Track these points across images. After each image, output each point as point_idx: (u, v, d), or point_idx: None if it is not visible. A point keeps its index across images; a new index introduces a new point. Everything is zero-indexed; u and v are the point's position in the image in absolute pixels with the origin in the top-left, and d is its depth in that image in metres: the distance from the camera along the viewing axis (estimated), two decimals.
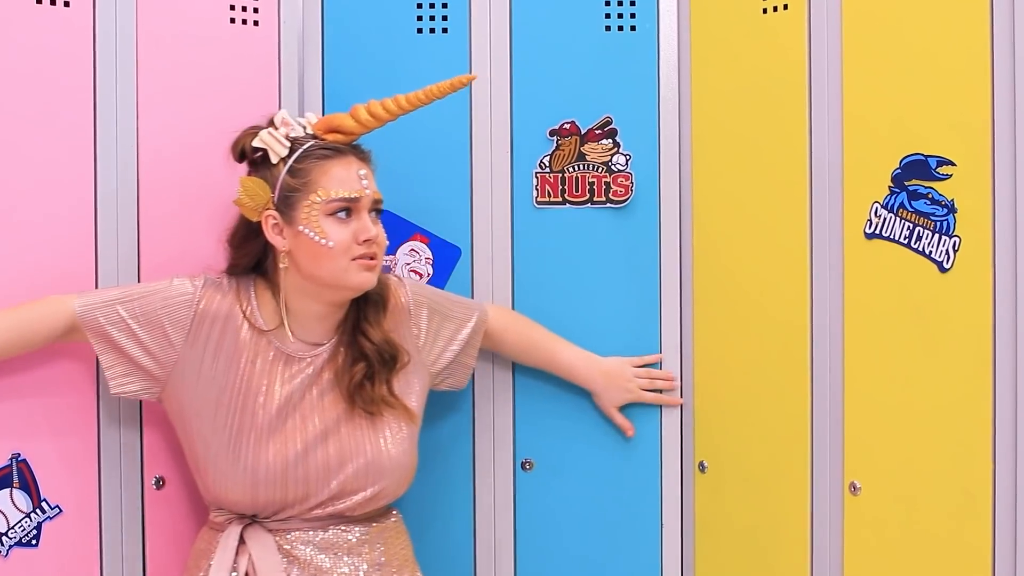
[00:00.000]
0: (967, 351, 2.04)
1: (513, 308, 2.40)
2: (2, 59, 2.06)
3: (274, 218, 2.00)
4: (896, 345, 2.12)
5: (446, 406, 2.39)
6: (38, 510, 2.09)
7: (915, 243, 2.09)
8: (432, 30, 2.38)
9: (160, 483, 2.20)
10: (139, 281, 2.15)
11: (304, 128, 2.04)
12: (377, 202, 2.05)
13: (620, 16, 2.38)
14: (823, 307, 2.22)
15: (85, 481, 2.14)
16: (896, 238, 2.11)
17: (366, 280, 2.02)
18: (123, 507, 2.18)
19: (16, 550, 2.08)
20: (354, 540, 2.06)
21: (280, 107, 2.31)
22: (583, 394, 2.40)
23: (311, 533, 2.04)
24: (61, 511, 2.12)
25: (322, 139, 2.03)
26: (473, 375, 2.38)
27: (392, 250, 2.39)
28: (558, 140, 2.39)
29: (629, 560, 2.41)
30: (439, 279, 2.39)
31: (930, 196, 2.07)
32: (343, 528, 2.06)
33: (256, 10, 2.29)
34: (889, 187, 2.12)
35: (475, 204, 2.39)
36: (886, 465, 2.14)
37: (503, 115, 2.38)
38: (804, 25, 2.23)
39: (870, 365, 2.16)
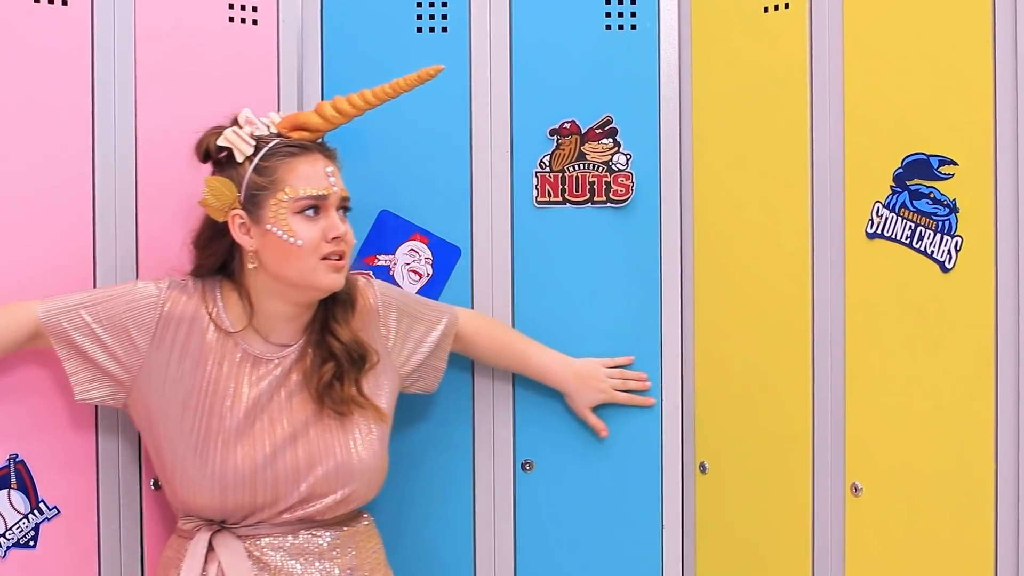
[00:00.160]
0: (969, 351, 2.04)
1: (513, 308, 2.39)
2: (0, 58, 2.05)
3: (241, 217, 1.98)
4: (898, 345, 2.12)
5: (445, 406, 2.39)
6: (36, 511, 2.08)
7: (917, 243, 2.08)
8: (432, 29, 2.38)
9: (158, 484, 2.19)
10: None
11: (268, 127, 2.03)
12: (345, 200, 2.04)
13: (620, 15, 2.38)
14: (824, 307, 2.22)
15: (83, 482, 2.14)
16: (898, 238, 2.11)
17: (334, 281, 2.01)
18: (121, 508, 2.17)
19: (14, 551, 2.07)
20: (325, 545, 2.03)
21: (279, 107, 2.31)
22: None
23: (281, 539, 2.01)
24: (59, 512, 2.11)
25: (287, 137, 2.02)
26: (473, 376, 2.39)
27: (391, 250, 2.38)
28: (558, 139, 2.38)
29: (630, 561, 2.41)
30: (439, 279, 2.38)
31: (932, 196, 2.06)
32: (314, 533, 2.03)
33: (255, 9, 2.29)
34: (891, 187, 2.11)
35: (475, 204, 2.39)
36: (888, 466, 2.14)
37: (503, 114, 2.38)
38: (805, 24, 2.23)
39: (871, 365, 2.16)
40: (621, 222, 2.39)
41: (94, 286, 2.12)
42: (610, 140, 2.38)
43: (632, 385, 2.39)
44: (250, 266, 2.00)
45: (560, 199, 2.39)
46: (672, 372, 2.42)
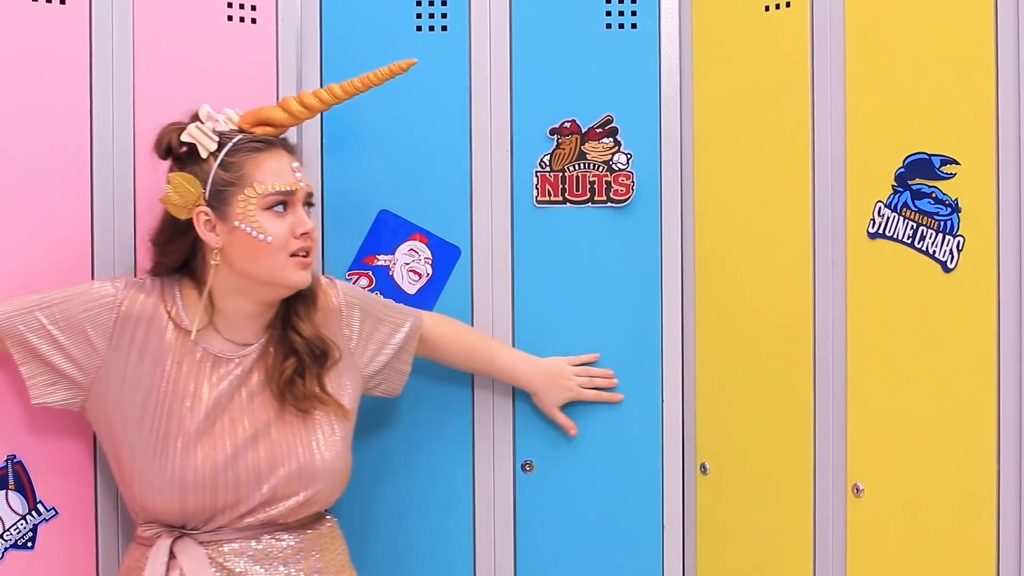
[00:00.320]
0: (971, 352, 2.03)
1: (513, 308, 2.39)
2: None
3: (206, 214, 1.96)
4: (899, 345, 2.11)
5: (445, 407, 2.39)
6: (34, 512, 2.08)
7: (918, 243, 2.08)
8: (431, 28, 2.38)
9: None
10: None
11: (228, 122, 2.01)
12: (310, 195, 2.03)
13: (621, 14, 2.38)
14: (825, 307, 2.21)
15: (81, 483, 2.14)
16: (899, 238, 2.11)
17: (302, 279, 1.99)
18: (119, 510, 2.17)
19: (12, 552, 2.07)
20: (289, 549, 2.00)
21: None
22: None
23: (243, 544, 1.97)
24: (57, 513, 2.11)
25: (250, 132, 2.00)
26: (473, 376, 2.39)
27: (391, 250, 2.38)
28: (558, 139, 2.38)
29: (630, 562, 2.41)
30: (438, 279, 2.38)
31: (934, 195, 2.06)
32: (276, 537, 2.00)
33: (254, 7, 2.29)
34: (892, 186, 2.11)
35: (475, 203, 2.38)
36: (889, 467, 2.14)
37: (503, 114, 2.37)
38: (806, 23, 2.22)
39: (873, 365, 2.15)
40: (621, 222, 2.39)
41: None
42: (610, 139, 2.37)
43: (598, 382, 2.38)
44: (214, 263, 1.97)
45: (560, 199, 2.39)
46: (673, 372, 2.41)
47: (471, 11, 2.37)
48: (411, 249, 2.39)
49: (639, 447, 2.41)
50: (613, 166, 2.38)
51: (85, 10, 2.13)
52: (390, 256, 2.38)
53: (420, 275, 2.38)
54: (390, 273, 2.38)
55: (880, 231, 2.13)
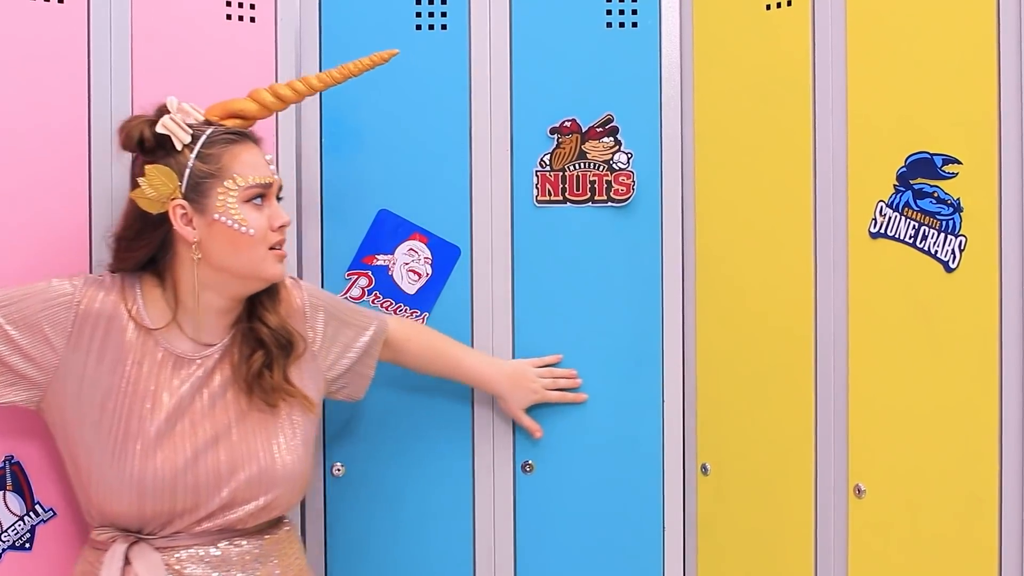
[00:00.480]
0: (973, 352, 2.03)
1: (513, 308, 2.39)
2: None
3: (183, 207, 1.92)
4: (901, 346, 2.11)
5: (445, 407, 2.39)
6: (32, 513, 2.07)
7: (920, 242, 2.08)
8: (431, 27, 2.37)
9: None
10: None
11: (196, 115, 1.98)
12: (280, 188, 2.02)
13: (621, 12, 2.37)
14: (827, 307, 2.21)
15: None
16: (901, 237, 2.10)
17: (280, 272, 1.98)
18: None
19: (9, 553, 2.06)
20: (247, 555, 1.98)
21: None
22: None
23: (201, 550, 1.94)
24: (55, 514, 2.10)
25: (220, 124, 1.98)
26: None
27: (391, 249, 2.37)
28: (559, 138, 2.37)
29: (631, 563, 2.40)
30: (438, 279, 2.37)
31: (936, 195, 2.06)
32: (234, 543, 1.97)
33: (252, 6, 2.28)
34: (894, 186, 2.11)
35: (475, 203, 2.38)
36: (891, 468, 2.13)
37: (503, 113, 2.37)
38: (808, 21, 2.22)
39: (875, 366, 2.15)
40: (622, 221, 2.39)
41: None
42: (611, 139, 2.37)
43: (563, 383, 2.38)
44: (196, 257, 1.93)
45: (560, 198, 2.38)
46: (673, 372, 2.41)
47: (471, 10, 2.36)
48: (411, 249, 2.38)
49: (640, 448, 2.40)
50: (613, 165, 2.38)
51: (83, 9, 2.12)
52: (390, 256, 2.38)
53: (420, 275, 2.38)
54: (389, 273, 2.38)
55: (882, 231, 2.12)
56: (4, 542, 2.05)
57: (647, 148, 2.39)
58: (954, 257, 2.04)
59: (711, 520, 2.40)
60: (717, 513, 2.39)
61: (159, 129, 1.93)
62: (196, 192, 1.92)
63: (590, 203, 2.38)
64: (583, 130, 2.37)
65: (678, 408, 2.41)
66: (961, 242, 2.03)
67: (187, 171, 1.92)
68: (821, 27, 2.20)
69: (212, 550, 1.95)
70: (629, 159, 2.38)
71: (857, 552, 2.18)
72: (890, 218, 2.11)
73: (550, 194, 2.38)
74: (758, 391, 2.32)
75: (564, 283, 2.39)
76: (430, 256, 2.38)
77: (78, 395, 1.93)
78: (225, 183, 1.92)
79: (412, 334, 2.30)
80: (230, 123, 1.99)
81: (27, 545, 2.07)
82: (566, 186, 2.38)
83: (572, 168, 2.38)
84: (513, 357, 2.39)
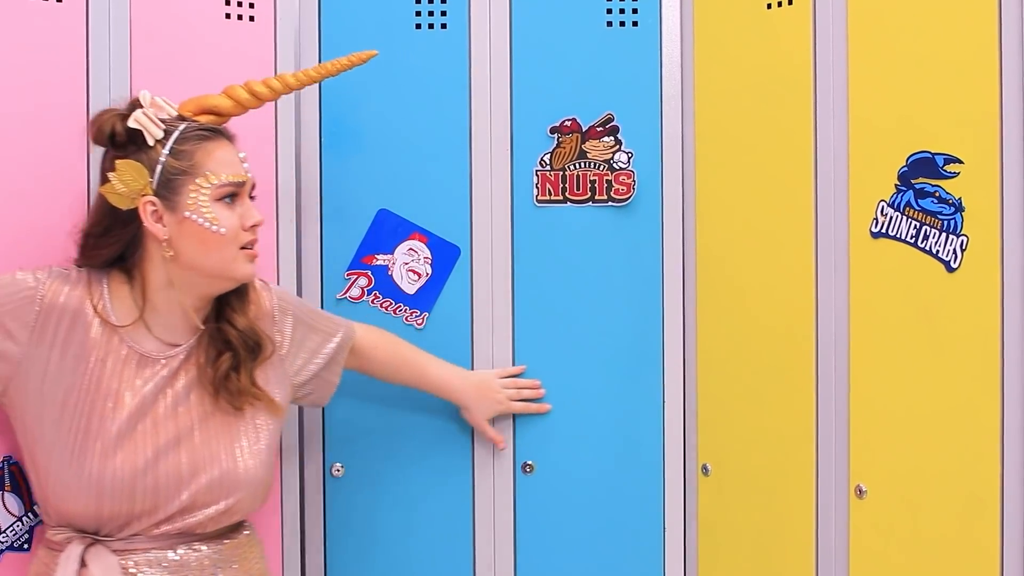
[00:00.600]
0: (975, 352, 2.03)
1: (513, 308, 2.38)
2: None
3: (153, 204, 1.89)
4: (903, 346, 2.11)
5: (445, 407, 2.38)
6: (30, 514, 2.06)
7: (922, 242, 2.07)
8: (431, 26, 2.37)
9: None
10: None
11: (169, 110, 1.95)
12: (254, 187, 1.98)
13: (622, 11, 2.37)
14: (828, 307, 2.21)
15: None
16: (903, 237, 2.10)
17: (250, 272, 1.95)
18: None
19: (8, 554, 2.05)
20: (206, 560, 1.94)
21: (277, 105, 2.29)
22: (584, 396, 2.39)
23: (159, 554, 1.90)
24: None
25: (194, 121, 1.95)
26: None
27: (390, 249, 2.37)
28: (559, 137, 2.37)
29: (632, 564, 2.40)
30: (438, 279, 2.37)
31: (937, 194, 2.06)
32: (193, 548, 1.93)
33: (252, 5, 2.28)
34: (895, 185, 2.10)
35: (474, 202, 2.38)
36: (892, 468, 2.13)
37: (503, 112, 2.36)
38: (809, 20, 2.22)
39: (876, 366, 2.15)
40: (622, 221, 2.38)
41: None
42: (611, 138, 2.36)
43: (526, 394, 2.37)
44: (168, 255, 1.90)
45: (561, 198, 2.38)
46: (674, 372, 2.40)
47: (471, 9, 2.36)
48: (410, 249, 2.38)
49: (640, 448, 2.40)
50: (614, 165, 2.37)
51: (82, 8, 2.12)
52: (389, 256, 2.37)
53: (419, 275, 2.37)
54: (389, 273, 2.37)
55: (883, 230, 2.12)
56: (3, 543, 2.04)
57: (647, 147, 2.38)
58: (956, 257, 2.04)
59: (712, 521, 2.39)
60: (718, 514, 2.39)
61: (131, 123, 1.90)
62: (167, 189, 1.89)
63: (590, 203, 2.38)
64: (583, 129, 2.37)
65: (679, 408, 2.40)
66: (963, 242, 2.03)
67: (158, 167, 1.89)
68: (822, 26, 2.20)
69: (170, 554, 1.92)
70: (629, 159, 2.37)
71: (858, 553, 2.18)
72: (891, 218, 2.11)
73: (550, 194, 2.38)
74: (759, 391, 2.32)
75: (564, 283, 2.39)
76: (430, 256, 2.38)
77: (39, 391, 1.89)
78: (197, 180, 1.89)
79: (379, 342, 2.28)
80: (204, 119, 1.96)
81: (25, 546, 2.06)
82: (566, 186, 2.38)
83: (572, 168, 2.37)
84: (513, 357, 2.39)
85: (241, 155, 1.95)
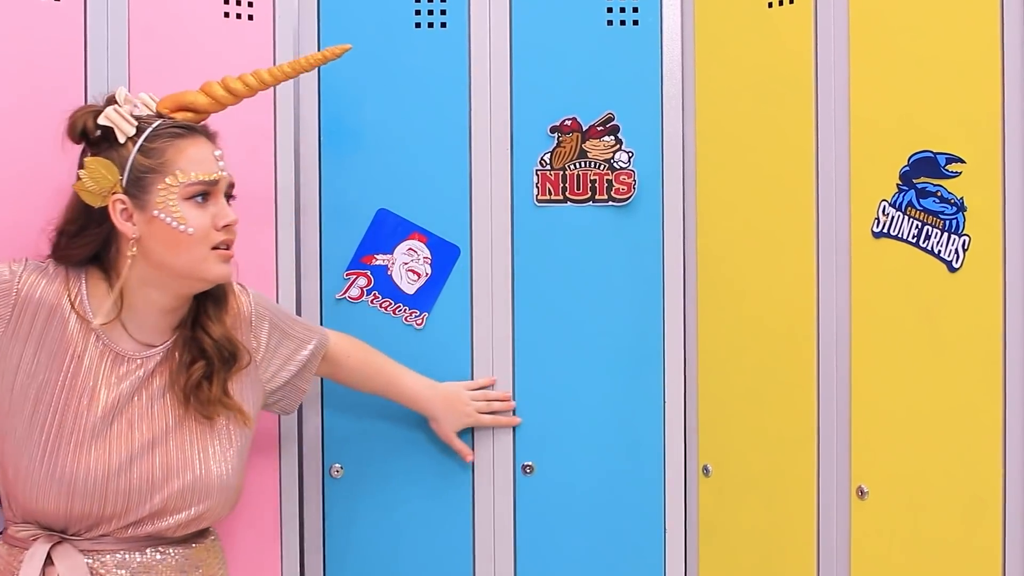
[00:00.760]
0: (977, 352, 2.02)
1: (513, 308, 2.38)
2: None
3: (123, 203, 1.86)
4: (904, 346, 2.10)
5: None
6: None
7: (924, 242, 2.07)
8: (431, 24, 2.36)
9: None
10: None
11: (147, 106, 1.93)
12: (231, 186, 1.94)
13: (622, 10, 2.36)
14: (829, 307, 2.20)
15: None
16: (904, 237, 2.09)
17: (223, 272, 1.91)
18: None
19: None
20: (172, 564, 1.92)
21: (276, 104, 2.29)
22: (585, 397, 2.39)
23: (126, 556, 1.89)
24: None
25: (170, 118, 1.93)
26: (472, 378, 2.38)
27: (390, 249, 2.36)
28: (559, 137, 2.36)
29: (632, 566, 2.39)
30: (438, 279, 2.36)
31: (939, 194, 2.05)
32: (160, 551, 1.92)
33: (251, 4, 2.27)
34: (897, 185, 2.10)
35: (474, 202, 2.37)
36: (894, 469, 2.12)
37: (503, 111, 2.36)
38: (810, 19, 2.21)
39: (878, 366, 2.14)
40: (623, 221, 2.38)
41: None
42: (612, 137, 2.36)
43: (496, 406, 2.36)
44: (130, 254, 1.88)
45: (561, 197, 2.37)
46: (675, 372, 2.40)
47: (470, 7, 2.36)
48: (410, 248, 2.37)
49: (641, 449, 2.39)
50: (614, 164, 2.36)
51: (80, 7, 2.11)
52: (388, 255, 2.37)
53: (419, 275, 2.37)
54: (388, 273, 2.37)
55: (885, 230, 2.11)
56: None
57: (648, 147, 2.38)
58: (957, 257, 2.03)
59: (713, 522, 2.39)
60: (719, 515, 2.38)
61: (101, 120, 1.88)
62: (136, 187, 1.86)
63: (591, 202, 2.37)
64: (584, 129, 2.36)
65: (679, 409, 2.40)
66: (964, 242, 2.02)
67: (128, 165, 1.87)
68: (823, 25, 2.19)
69: (138, 557, 1.91)
70: (630, 158, 2.37)
71: (859, 554, 2.17)
72: (893, 217, 2.10)
73: (550, 193, 2.37)
74: (760, 391, 2.31)
75: (564, 283, 2.38)
76: (429, 256, 2.37)
77: (11, 387, 1.87)
78: (166, 179, 1.86)
79: (352, 351, 2.27)
80: (180, 116, 1.94)
81: None
82: (566, 185, 2.37)
83: (572, 167, 2.37)
84: (513, 358, 2.38)
85: (216, 153, 1.92)
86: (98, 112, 1.89)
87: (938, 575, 2.07)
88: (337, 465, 2.38)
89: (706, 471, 2.39)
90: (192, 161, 1.88)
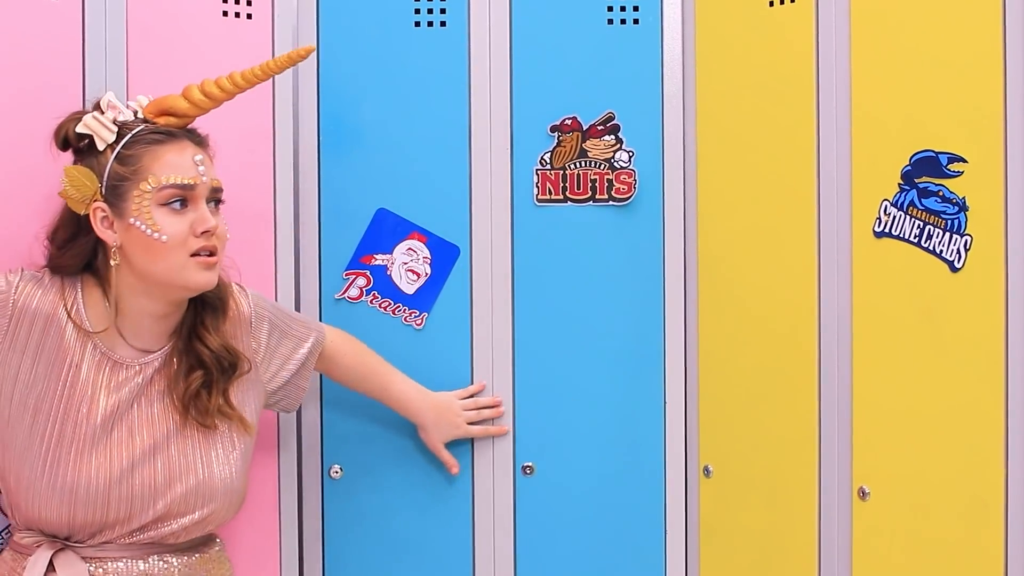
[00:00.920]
0: (978, 353, 2.02)
1: (513, 308, 2.37)
2: None
3: (103, 210, 1.85)
4: (906, 346, 2.10)
5: None
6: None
7: (925, 242, 2.07)
8: (430, 23, 2.36)
9: None
10: None
11: (136, 112, 1.92)
12: (216, 191, 1.91)
13: (623, 9, 2.36)
14: (831, 308, 2.20)
15: None
16: (906, 237, 2.09)
17: (205, 280, 1.88)
18: None
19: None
20: (175, 572, 1.92)
21: (274, 104, 2.29)
22: (585, 397, 2.38)
23: (129, 563, 1.88)
24: None
25: (154, 123, 1.91)
26: (472, 378, 2.37)
27: (389, 249, 2.36)
28: (559, 136, 2.35)
29: (633, 568, 2.39)
30: (437, 279, 2.36)
31: (941, 194, 2.05)
32: (163, 559, 1.91)
33: (249, 3, 2.27)
34: (899, 184, 2.10)
35: (474, 202, 2.37)
36: (896, 470, 2.12)
37: (503, 110, 2.35)
38: (811, 18, 2.21)
39: (879, 367, 2.14)
40: (623, 221, 2.37)
41: None
42: (612, 137, 2.35)
43: (486, 414, 2.35)
44: (113, 263, 1.87)
45: (561, 197, 2.37)
46: (676, 373, 2.40)
47: (470, 6, 2.35)
48: (409, 248, 2.37)
49: (641, 450, 2.39)
50: (615, 164, 2.36)
51: (78, 5, 2.11)
52: (388, 255, 2.36)
53: (418, 275, 2.36)
54: (388, 273, 2.36)
55: (886, 230, 2.11)
56: None
57: (649, 146, 2.37)
58: (959, 257, 2.03)
59: (714, 523, 2.39)
60: (720, 516, 2.38)
61: (79, 128, 1.88)
62: (114, 195, 1.85)
63: (591, 202, 2.37)
64: (584, 128, 2.36)
65: (680, 409, 2.39)
66: (966, 241, 2.02)
67: (106, 172, 1.86)
68: (825, 23, 2.19)
69: (141, 564, 1.90)
70: (630, 157, 2.36)
71: (861, 555, 2.17)
72: (894, 217, 2.10)
73: (550, 193, 2.37)
74: (761, 392, 2.31)
75: (565, 283, 2.38)
76: (429, 256, 2.37)
77: (10, 397, 1.87)
78: (140, 185, 1.84)
79: (347, 349, 2.26)
80: (163, 121, 1.92)
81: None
82: (567, 185, 2.37)
83: (573, 167, 2.36)
84: (513, 358, 2.38)
85: (197, 157, 1.88)
86: (81, 119, 1.89)
87: None
88: (336, 466, 2.37)
89: (707, 472, 2.38)
90: (167, 166, 1.86)
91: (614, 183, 2.36)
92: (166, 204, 1.85)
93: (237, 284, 2.08)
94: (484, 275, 2.37)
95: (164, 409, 1.92)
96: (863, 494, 2.15)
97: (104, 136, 1.86)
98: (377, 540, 2.38)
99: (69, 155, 1.93)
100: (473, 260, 2.37)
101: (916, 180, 2.07)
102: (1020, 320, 1.98)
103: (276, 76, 2.24)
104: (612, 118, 2.36)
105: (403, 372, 2.31)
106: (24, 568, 1.86)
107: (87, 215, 1.87)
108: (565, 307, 2.38)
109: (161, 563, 1.92)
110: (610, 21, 2.36)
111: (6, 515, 1.98)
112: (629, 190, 2.37)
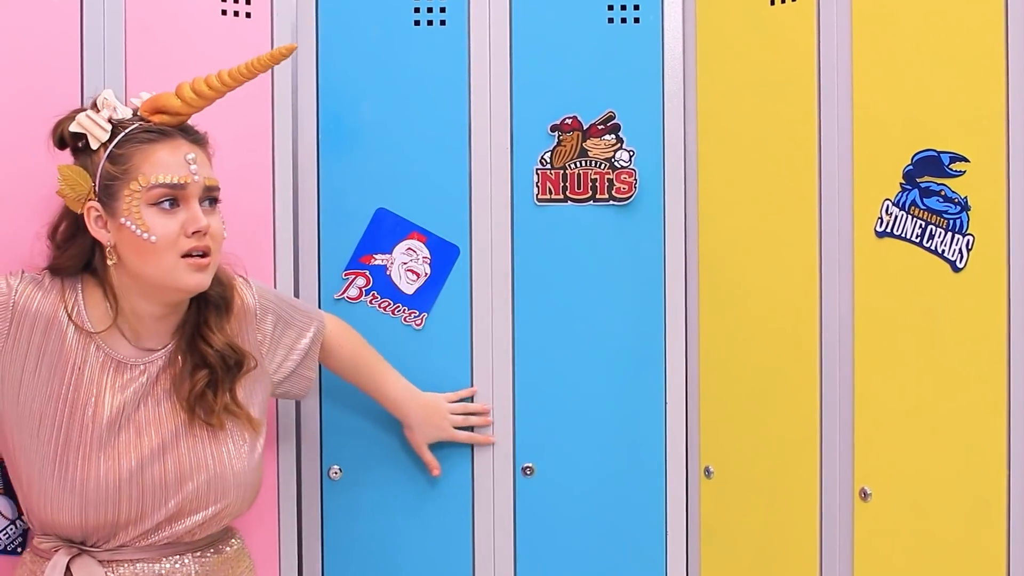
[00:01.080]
0: (981, 353, 2.02)
1: (513, 308, 2.37)
2: None
3: (96, 210, 1.84)
4: (907, 347, 2.10)
5: None
6: (23, 518, 2.04)
7: (927, 242, 2.07)
8: (430, 22, 2.35)
9: None
10: None
11: (135, 110, 1.91)
12: (211, 189, 1.88)
13: (623, 8, 2.36)
14: (832, 308, 2.20)
15: None
16: (908, 236, 2.09)
17: (198, 282, 1.86)
18: None
19: (1, 558, 2.04)
20: (192, 573, 1.91)
21: (273, 104, 2.28)
22: (585, 397, 2.38)
23: (145, 566, 1.88)
24: None
25: (148, 121, 1.89)
26: (472, 379, 2.37)
27: (389, 249, 2.35)
28: (559, 135, 2.35)
29: (633, 568, 2.39)
30: (437, 278, 2.35)
31: (943, 193, 2.05)
32: (181, 561, 1.91)
33: (248, 1, 2.26)
34: (900, 184, 2.09)
35: (474, 201, 2.36)
36: (897, 470, 2.12)
37: (503, 110, 2.35)
38: (813, 17, 2.21)
39: (881, 367, 2.14)
40: (624, 220, 2.37)
41: None
42: (612, 136, 2.35)
43: (473, 420, 2.35)
44: (110, 262, 1.86)
45: (561, 197, 2.36)
46: (676, 373, 2.39)
47: (470, 5, 2.35)
48: (409, 248, 2.36)
49: (642, 450, 2.39)
50: (615, 163, 2.36)
51: (76, 4, 2.10)
52: (388, 255, 2.36)
53: (418, 275, 2.36)
54: (387, 273, 2.36)
55: (888, 230, 2.11)
56: None
57: (649, 146, 2.37)
58: (961, 256, 2.03)
59: (714, 524, 2.38)
60: (720, 517, 2.38)
61: (72, 127, 1.87)
62: (107, 194, 1.84)
63: (591, 202, 2.36)
64: (584, 127, 2.36)
65: (681, 410, 2.39)
66: (968, 241, 2.02)
67: (98, 171, 1.85)
68: (826, 22, 2.19)
69: (157, 567, 1.90)
70: (631, 157, 2.36)
71: (863, 556, 2.17)
72: (896, 217, 2.10)
73: (551, 192, 2.36)
74: (762, 392, 2.31)
75: (565, 283, 2.37)
76: (429, 255, 2.36)
77: (16, 400, 1.86)
78: (131, 184, 1.83)
79: (344, 340, 2.26)
80: (157, 119, 1.90)
81: (19, 549, 2.04)
82: (567, 184, 2.36)
83: (573, 166, 2.36)
84: (513, 359, 2.38)
85: (190, 156, 1.86)
86: (76, 118, 1.88)
87: None
88: (336, 467, 2.37)
89: (708, 472, 2.38)
90: (157, 165, 1.84)
91: (614, 183, 2.36)
92: (156, 204, 1.83)
93: (241, 277, 2.08)
94: (484, 275, 2.36)
95: (172, 407, 1.92)
96: (864, 495, 2.15)
97: (97, 135, 1.85)
98: (376, 540, 2.38)
99: (68, 154, 1.93)
100: (473, 260, 2.36)
101: (918, 179, 2.07)
102: (1022, 319, 1.98)
103: (276, 76, 2.28)
104: (612, 117, 2.36)
105: (402, 372, 2.31)
106: (43, 573, 1.86)
107: (83, 214, 1.86)
108: (565, 307, 2.37)
109: (178, 564, 1.91)
110: (610, 20, 2.36)
111: (22, 517, 1.99)
112: (630, 190, 2.36)
